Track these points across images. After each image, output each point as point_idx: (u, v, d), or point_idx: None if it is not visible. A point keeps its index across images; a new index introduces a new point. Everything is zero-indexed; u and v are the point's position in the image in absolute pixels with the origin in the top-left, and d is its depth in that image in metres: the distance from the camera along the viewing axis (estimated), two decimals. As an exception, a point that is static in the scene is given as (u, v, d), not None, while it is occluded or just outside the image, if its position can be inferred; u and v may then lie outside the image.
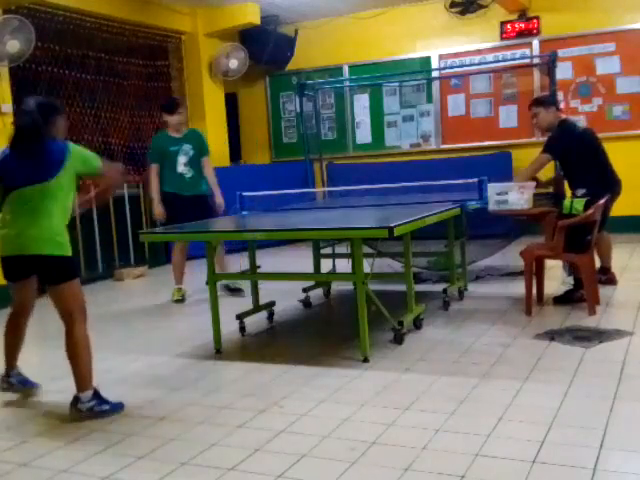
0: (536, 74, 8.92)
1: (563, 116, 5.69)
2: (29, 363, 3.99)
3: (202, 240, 4.78)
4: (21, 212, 3.47)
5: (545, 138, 5.59)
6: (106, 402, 3.53)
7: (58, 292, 3.52)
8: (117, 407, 3.55)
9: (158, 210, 6.26)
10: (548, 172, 6.20)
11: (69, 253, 3.54)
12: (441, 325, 4.89)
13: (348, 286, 5.96)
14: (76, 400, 3.49)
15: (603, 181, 5.30)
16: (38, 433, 3.36)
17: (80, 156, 3.53)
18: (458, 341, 4.42)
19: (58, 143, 3.53)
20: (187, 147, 6.37)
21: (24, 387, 3.89)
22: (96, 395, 3.51)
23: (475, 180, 5.28)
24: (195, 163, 6.37)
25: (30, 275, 3.63)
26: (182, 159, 6.32)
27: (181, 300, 6.32)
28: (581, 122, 5.82)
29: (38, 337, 3.94)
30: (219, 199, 6.46)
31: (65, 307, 3.53)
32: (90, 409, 3.47)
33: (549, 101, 5.62)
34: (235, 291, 6.34)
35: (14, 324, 3.81)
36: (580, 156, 5.26)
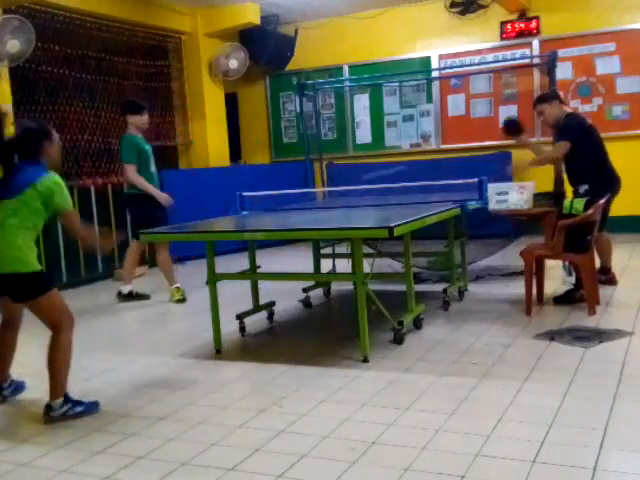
0: (536, 74, 8.92)
1: (568, 109, 5.70)
2: (29, 362, 3.99)
3: (202, 240, 4.77)
4: None
5: (544, 138, 5.60)
6: (79, 403, 3.52)
7: (36, 306, 3.48)
8: (92, 407, 3.55)
9: (165, 196, 6.22)
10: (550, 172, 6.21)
11: (36, 268, 3.45)
12: (441, 325, 4.89)
13: (348, 286, 5.95)
14: (48, 408, 3.47)
15: (606, 177, 5.30)
16: (38, 433, 3.36)
17: (53, 188, 3.43)
18: (458, 341, 4.42)
19: (37, 168, 3.47)
20: (151, 147, 6.44)
21: (18, 393, 3.88)
22: (67, 400, 3.49)
23: (475, 180, 5.28)
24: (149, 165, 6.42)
25: (3, 294, 3.57)
26: (152, 158, 6.35)
27: (182, 300, 6.30)
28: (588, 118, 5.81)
29: (37, 336, 3.93)
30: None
31: (49, 319, 3.50)
32: (64, 414, 3.46)
33: (551, 96, 5.62)
34: (139, 297, 6.46)
35: (2, 337, 3.77)
36: (586, 148, 5.25)
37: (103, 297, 6.79)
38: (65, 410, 3.46)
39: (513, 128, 5.96)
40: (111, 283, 7.64)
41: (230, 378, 4.13)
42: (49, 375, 3.49)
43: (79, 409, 3.50)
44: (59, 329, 3.49)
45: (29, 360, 3.96)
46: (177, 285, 6.38)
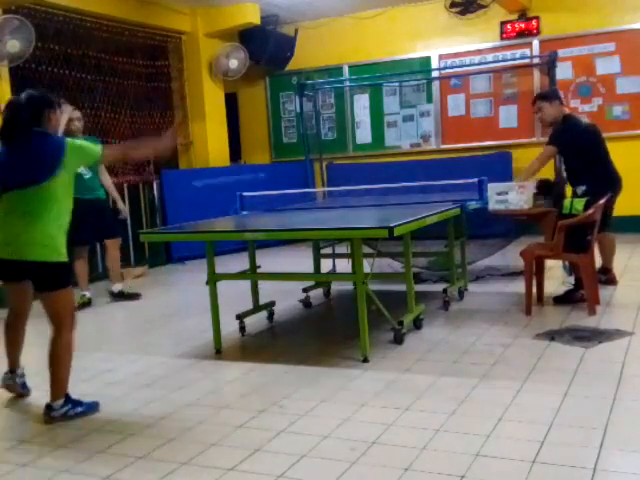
0: (536, 74, 8.92)
1: (567, 110, 5.69)
2: (29, 363, 3.99)
3: (202, 240, 4.78)
4: (16, 214, 3.35)
5: (545, 139, 5.59)
6: (79, 404, 3.51)
7: (51, 299, 3.44)
8: (91, 407, 3.54)
9: None
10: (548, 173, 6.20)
11: (65, 259, 3.44)
12: (441, 325, 4.89)
13: (348, 286, 5.96)
14: (48, 408, 3.45)
15: (604, 178, 5.29)
16: (38, 433, 3.36)
17: (78, 150, 3.42)
18: (458, 341, 4.42)
19: (53, 139, 3.43)
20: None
21: (21, 391, 3.88)
22: (68, 400, 3.48)
23: (475, 180, 5.28)
24: (93, 166, 6.20)
25: (23, 279, 3.55)
26: None
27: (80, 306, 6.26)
28: (585, 117, 5.82)
29: (38, 336, 3.94)
30: (122, 205, 6.71)
31: (57, 314, 3.47)
32: (64, 414, 3.45)
33: (553, 95, 5.61)
34: (130, 297, 6.54)
35: (12, 326, 3.77)
36: (583, 151, 5.25)
37: (103, 297, 6.78)
38: (65, 410, 3.45)
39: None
40: (111, 283, 7.64)
41: (230, 378, 4.13)
42: (50, 375, 3.47)
43: (79, 409, 3.49)
44: (62, 327, 3.46)
45: (29, 360, 3.96)
46: (84, 292, 6.40)
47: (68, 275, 3.53)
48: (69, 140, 3.45)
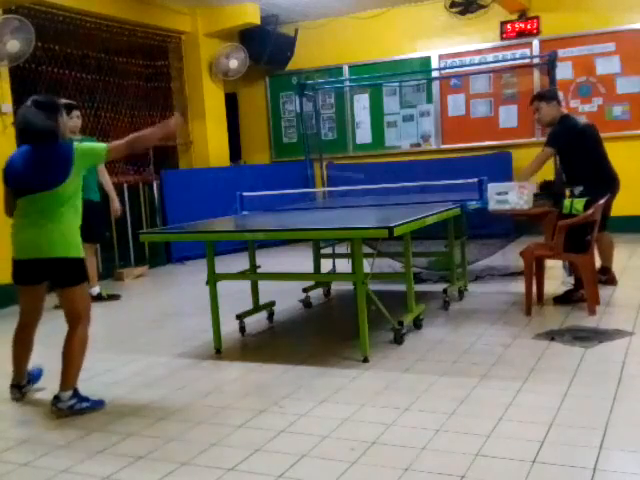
0: (536, 74, 8.93)
1: (565, 111, 5.68)
2: (32, 362, 3.99)
3: (202, 240, 4.78)
4: (32, 218, 3.47)
5: (544, 138, 5.59)
6: (86, 399, 3.55)
7: (71, 294, 3.55)
8: (97, 404, 3.58)
9: None
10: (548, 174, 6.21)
11: (82, 255, 3.57)
12: (441, 325, 4.89)
13: (348, 286, 5.96)
14: (56, 399, 3.50)
15: (601, 178, 5.29)
16: (38, 433, 3.36)
17: (86, 153, 3.52)
18: (458, 341, 4.42)
19: (63, 146, 3.50)
20: None
21: (36, 382, 3.94)
22: (75, 394, 3.52)
23: (475, 180, 5.28)
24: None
25: (42, 281, 3.63)
26: None
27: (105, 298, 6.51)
28: (583, 118, 5.80)
29: (42, 335, 3.94)
30: (116, 204, 6.71)
31: (75, 309, 3.57)
32: (70, 407, 3.49)
33: (550, 95, 5.59)
34: (110, 298, 6.60)
35: (22, 336, 3.79)
36: (580, 151, 5.25)
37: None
38: (72, 404, 3.49)
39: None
40: (111, 283, 7.65)
41: (230, 378, 4.13)
42: (63, 366, 3.53)
43: (85, 404, 3.54)
44: (79, 321, 3.56)
45: (33, 359, 3.96)
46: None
47: (85, 271, 3.63)
48: (77, 145, 3.54)
